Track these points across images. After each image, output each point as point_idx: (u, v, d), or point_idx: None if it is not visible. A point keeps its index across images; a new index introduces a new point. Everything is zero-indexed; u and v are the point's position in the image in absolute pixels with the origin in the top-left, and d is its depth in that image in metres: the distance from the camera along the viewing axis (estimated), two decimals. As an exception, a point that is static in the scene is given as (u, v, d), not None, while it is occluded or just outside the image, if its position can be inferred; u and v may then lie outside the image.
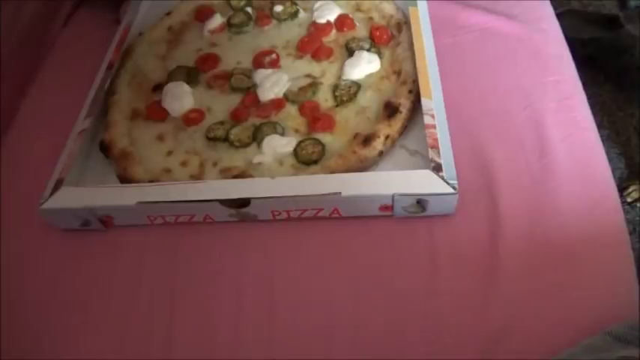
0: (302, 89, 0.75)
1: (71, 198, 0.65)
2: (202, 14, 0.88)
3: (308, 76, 0.77)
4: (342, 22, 0.82)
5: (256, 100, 0.75)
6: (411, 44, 0.75)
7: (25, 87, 0.85)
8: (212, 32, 0.86)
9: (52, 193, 0.65)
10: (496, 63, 0.77)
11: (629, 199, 1.15)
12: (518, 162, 0.66)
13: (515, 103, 0.71)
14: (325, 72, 0.77)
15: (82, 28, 0.97)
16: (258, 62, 0.79)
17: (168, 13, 0.89)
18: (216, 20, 0.86)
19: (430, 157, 0.61)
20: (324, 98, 0.74)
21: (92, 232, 0.67)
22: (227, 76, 0.78)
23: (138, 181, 0.67)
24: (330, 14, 0.82)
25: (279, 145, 0.68)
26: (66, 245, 0.67)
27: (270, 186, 0.62)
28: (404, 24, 0.78)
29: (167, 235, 0.66)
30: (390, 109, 0.68)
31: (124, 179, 0.69)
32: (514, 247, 0.59)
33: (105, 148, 0.71)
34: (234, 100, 0.76)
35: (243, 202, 0.62)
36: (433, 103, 0.66)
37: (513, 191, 0.63)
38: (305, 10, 0.86)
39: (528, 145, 0.67)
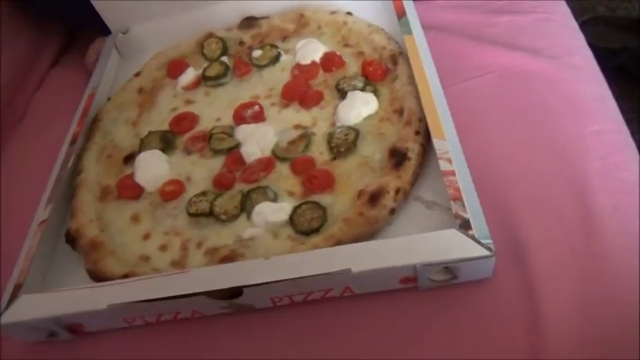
0: (292, 143, 0.65)
1: (32, 307, 0.54)
2: (174, 69, 0.79)
3: (297, 126, 0.67)
4: (329, 60, 0.72)
5: (241, 162, 0.65)
6: (411, 77, 0.65)
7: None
8: (186, 88, 0.77)
9: (8, 304, 0.55)
10: (522, 112, 0.63)
11: None
12: (560, 245, 0.52)
13: (549, 163, 0.58)
14: (317, 120, 0.67)
15: (55, 91, 0.89)
16: (240, 117, 0.69)
17: (137, 74, 0.80)
18: (190, 74, 0.77)
19: (454, 211, 0.50)
20: (318, 151, 0.63)
21: (59, 343, 0.57)
22: (206, 137, 0.69)
23: (110, 277, 0.57)
24: (314, 53, 0.73)
25: (271, 214, 0.58)
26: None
27: (265, 269, 0.51)
28: (399, 55, 0.68)
29: (149, 338, 0.55)
30: (397, 157, 0.58)
31: (95, 275, 0.58)
32: (559, 334, 0.47)
33: (72, 240, 0.61)
34: (217, 164, 0.66)
35: (235, 292, 0.51)
36: (448, 144, 0.55)
37: (556, 283, 0.49)
38: (287, 52, 0.77)
39: (570, 220, 0.53)
